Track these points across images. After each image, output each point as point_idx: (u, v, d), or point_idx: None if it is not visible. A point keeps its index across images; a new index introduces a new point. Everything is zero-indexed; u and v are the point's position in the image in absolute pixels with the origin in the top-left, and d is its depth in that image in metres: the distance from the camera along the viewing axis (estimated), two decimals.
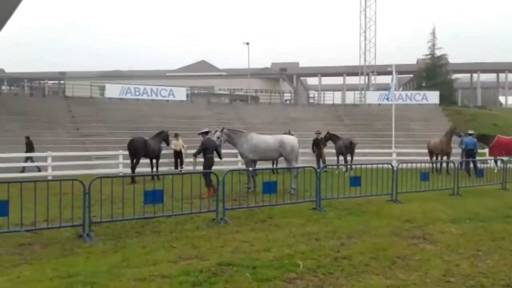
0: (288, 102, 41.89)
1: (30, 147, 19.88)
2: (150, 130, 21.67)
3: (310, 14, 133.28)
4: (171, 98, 32.17)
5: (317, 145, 20.31)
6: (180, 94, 33.10)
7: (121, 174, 16.98)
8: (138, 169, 16.45)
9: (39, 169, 18.96)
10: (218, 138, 12.95)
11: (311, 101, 45.34)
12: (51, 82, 47.07)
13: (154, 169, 17.34)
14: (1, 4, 21.24)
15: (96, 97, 31.93)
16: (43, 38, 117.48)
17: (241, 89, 48.54)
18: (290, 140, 13.33)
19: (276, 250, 6.49)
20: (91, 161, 20.90)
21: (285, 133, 19.34)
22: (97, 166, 19.93)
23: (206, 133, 12.87)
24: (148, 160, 17.37)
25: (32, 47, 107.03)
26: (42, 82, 39.43)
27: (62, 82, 43.48)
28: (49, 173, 17.93)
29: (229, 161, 19.48)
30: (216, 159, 12.80)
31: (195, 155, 12.87)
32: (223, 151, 13.64)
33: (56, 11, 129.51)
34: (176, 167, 18.82)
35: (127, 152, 17.06)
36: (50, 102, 28.80)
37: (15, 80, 47.53)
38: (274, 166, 18.16)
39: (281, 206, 9.84)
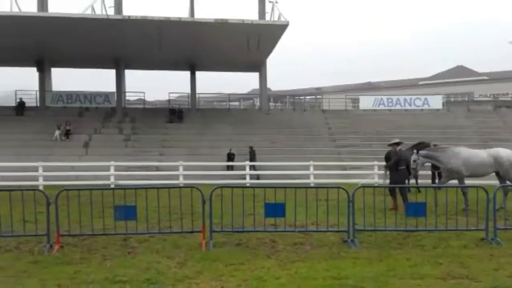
0: None
1: (253, 156, 22.04)
2: (404, 141, 21.26)
3: None
4: (425, 107, 31.11)
5: None
6: (436, 102, 31.77)
7: (376, 184, 17.17)
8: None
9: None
10: (415, 161, 11.94)
11: None
12: (309, 97, 51.49)
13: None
14: (268, 33, 24.32)
15: (350, 110, 33.35)
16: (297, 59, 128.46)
17: (507, 94, 42.87)
18: (508, 154, 11.57)
19: None
20: (346, 171, 21.83)
21: None
22: (352, 176, 20.67)
23: (398, 144, 12.16)
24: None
25: (289, 66, 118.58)
26: (301, 97, 43.70)
27: (318, 97, 47.11)
28: (311, 180, 19.58)
29: None
30: None
31: (387, 167, 12.14)
32: None
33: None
34: (433, 181, 17.88)
35: (382, 163, 17.16)
36: (309, 115, 31.59)
37: (279, 97, 54.00)
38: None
39: None
